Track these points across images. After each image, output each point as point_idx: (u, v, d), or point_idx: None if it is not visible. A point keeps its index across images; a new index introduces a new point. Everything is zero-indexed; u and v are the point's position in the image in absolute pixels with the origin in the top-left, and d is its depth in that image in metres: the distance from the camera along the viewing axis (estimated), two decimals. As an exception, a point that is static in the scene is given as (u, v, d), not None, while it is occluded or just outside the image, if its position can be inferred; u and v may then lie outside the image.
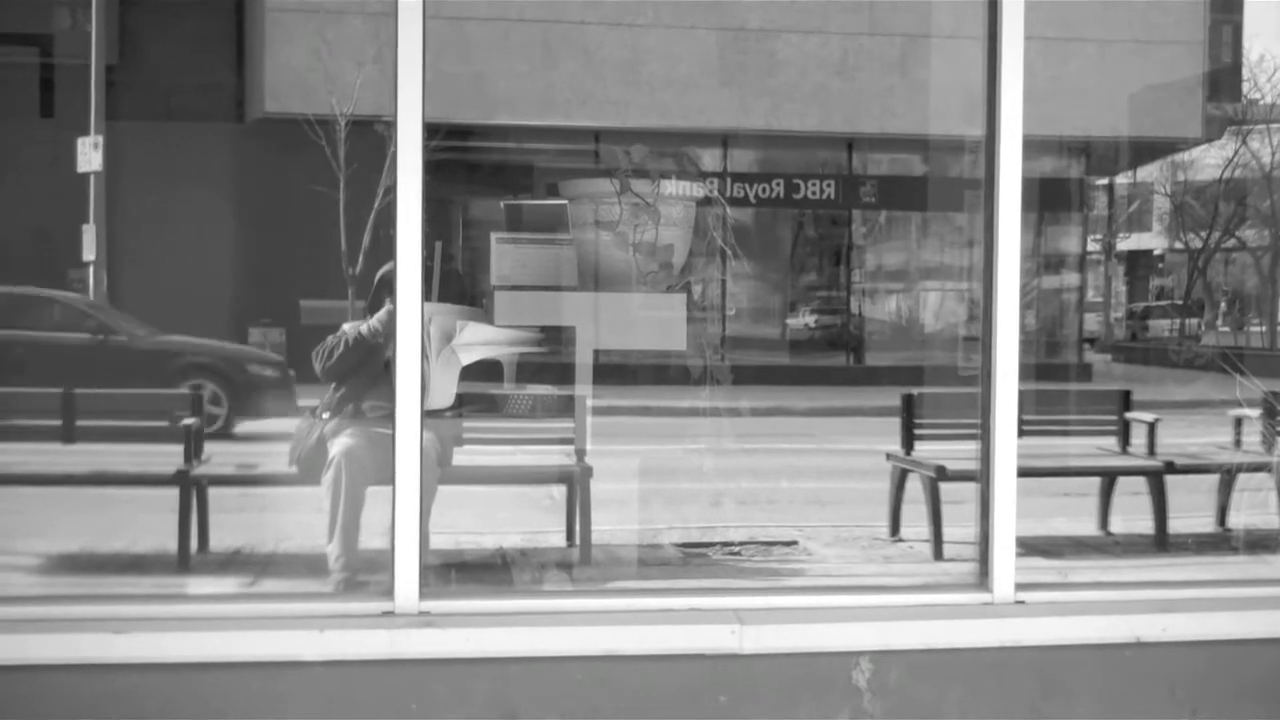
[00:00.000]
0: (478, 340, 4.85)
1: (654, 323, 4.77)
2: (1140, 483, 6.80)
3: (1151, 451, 7.08)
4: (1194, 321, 26.66)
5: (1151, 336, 27.95)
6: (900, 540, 6.74)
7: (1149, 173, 27.79)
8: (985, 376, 4.07)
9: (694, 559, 6.26)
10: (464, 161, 16.20)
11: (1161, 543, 6.59)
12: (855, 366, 20.68)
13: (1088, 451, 7.26)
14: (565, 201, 4.80)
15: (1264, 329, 25.31)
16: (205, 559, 5.94)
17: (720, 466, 9.30)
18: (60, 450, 6.23)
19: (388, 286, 4.46)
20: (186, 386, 9.94)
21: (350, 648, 3.68)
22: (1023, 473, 4.08)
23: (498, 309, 4.81)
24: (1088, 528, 7.02)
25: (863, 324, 21.71)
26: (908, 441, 6.81)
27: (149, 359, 11.30)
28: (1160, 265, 32.74)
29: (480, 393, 5.94)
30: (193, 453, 6.05)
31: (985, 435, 4.07)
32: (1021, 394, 4.07)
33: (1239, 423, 7.25)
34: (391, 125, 3.81)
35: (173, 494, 5.83)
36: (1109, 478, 7.05)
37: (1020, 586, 4.07)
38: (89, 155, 14.04)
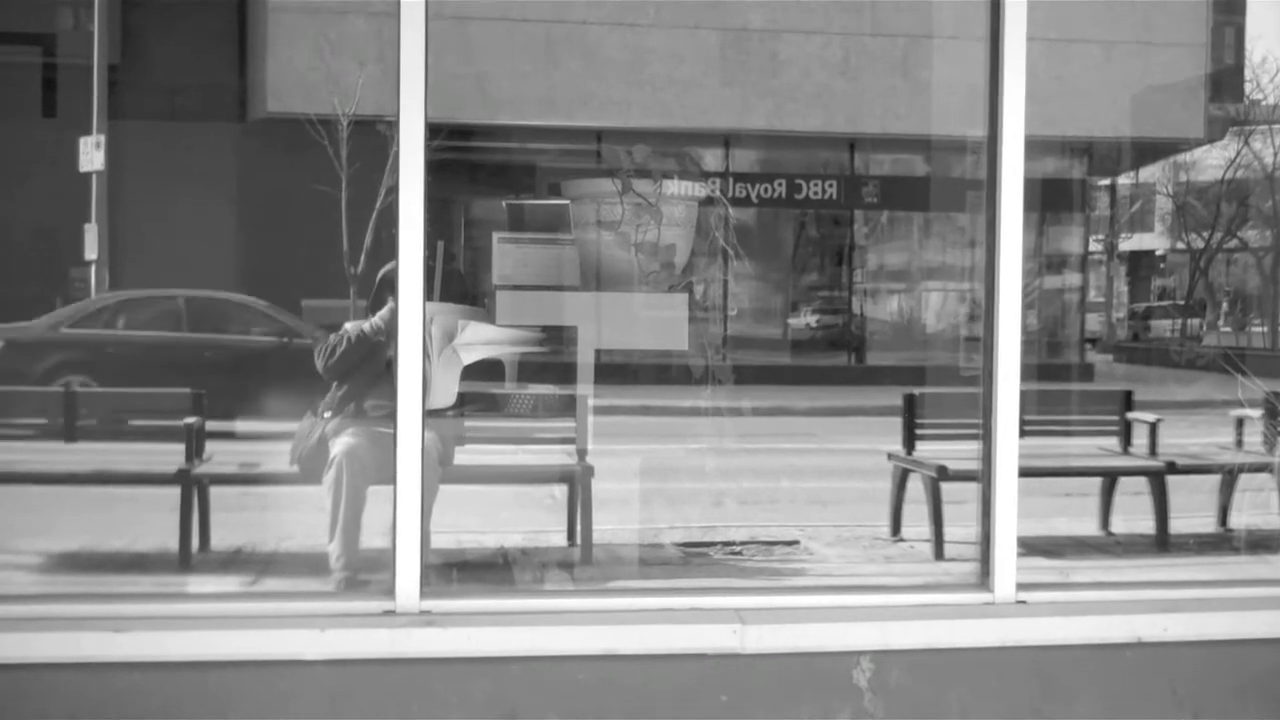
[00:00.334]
0: (479, 340, 4.85)
1: (656, 322, 4.78)
2: (1141, 483, 6.80)
3: (1153, 452, 7.07)
4: (1196, 322, 26.64)
5: (1153, 337, 27.95)
6: (901, 540, 6.74)
7: (1151, 173, 27.80)
8: (987, 376, 4.07)
9: (695, 559, 6.26)
10: (466, 161, 16.20)
11: (1163, 543, 6.59)
12: (857, 366, 20.68)
13: (1089, 452, 7.26)
14: (567, 201, 4.80)
15: (1265, 329, 25.30)
16: (207, 558, 5.94)
17: (722, 466, 9.30)
18: (62, 449, 6.23)
19: (389, 286, 4.47)
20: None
21: (351, 647, 3.69)
22: (1024, 473, 4.08)
23: (499, 308, 4.82)
24: (1089, 528, 7.02)
25: (864, 324, 21.72)
26: (909, 441, 6.81)
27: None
28: (1162, 265, 32.75)
29: (482, 392, 5.95)
30: (194, 452, 6.06)
31: (987, 435, 4.07)
32: (1023, 394, 4.07)
33: (1240, 423, 7.25)
34: (394, 125, 3.81)
35: (174, 493, 5.83)
36: (1110, 478, 7.04)
37: (1021, 586, 4.07)
38: (91, 155, 14.05)
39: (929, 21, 15.14)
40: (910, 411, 6.84)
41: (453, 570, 5.55)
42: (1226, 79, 24.00)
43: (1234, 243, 26.06)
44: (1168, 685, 4.01)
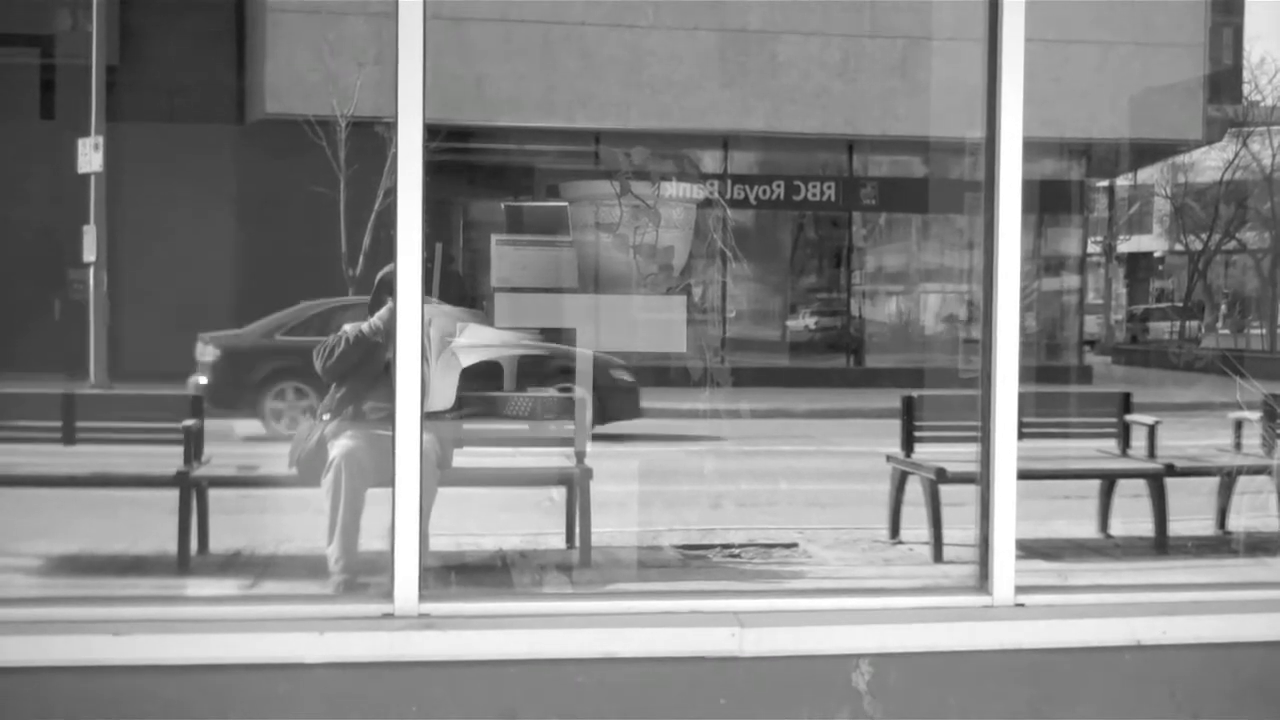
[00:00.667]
0: (477, 342, 4.85)
1: (654, 325, 4.78)
2: (1140, 485, 6.79)
3: (1151, 454, 7.07)
4: (1194, 324, 26.66)
5: (1152, 339, 27.96)
6: (900, 543, 6.74)
7: (1149, 175, 27.80)
8: (985, 379, 4.07)
9: (694, 561, 6.26)
10: (465, 163, 16.20)
11: (1161, 545, 6.59)
12: (855, 368, 20.69)
13: (1088, 454, 7.26)
14: (566, 203, 4.81)
15: (1264, 331, 25.30)
16: (205, 561, 5.93)
17: (720, 468, 9.31)
18: (61, 451, 6.23)
19: (388, 288, 4.47)
20: (557, 389, 10.33)
21: (350, 649, 3.68)
22: (1023, 475, 4.08)
23: (498, 311, 4.82)
24: (1088, 530, 7.02)
25: (863, 326, 21.72)
26: (908, 444, 6.81)
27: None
28: (1160, 267, 32.75)
29: (480, 394, 5.95)
30: (193, 454, 6.05)
31: (985, 438, 4.07)
32: (1021, 396, 4.06)
33: (1239, 425, 7.25)
34: (392, 126, 3.81)
35: (173, 495, 5.83)
36: (1109, 480, 7.04)
37: (1020, 589, 4.06)
38: (90, 156, 14.05)
39: (927, 23, 15.15)
40: (909, 414, 6.84)
41: (451, 573, 5.55)
42: (1225, 80, 24.00)
43: (1232, 244, 26.07)
44: (1166, 688, 4.01)
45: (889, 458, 6.92)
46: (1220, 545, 6.63)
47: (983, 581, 4.10)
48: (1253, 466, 6.64)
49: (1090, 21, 16.90)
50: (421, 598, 3.81)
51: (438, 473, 5.09)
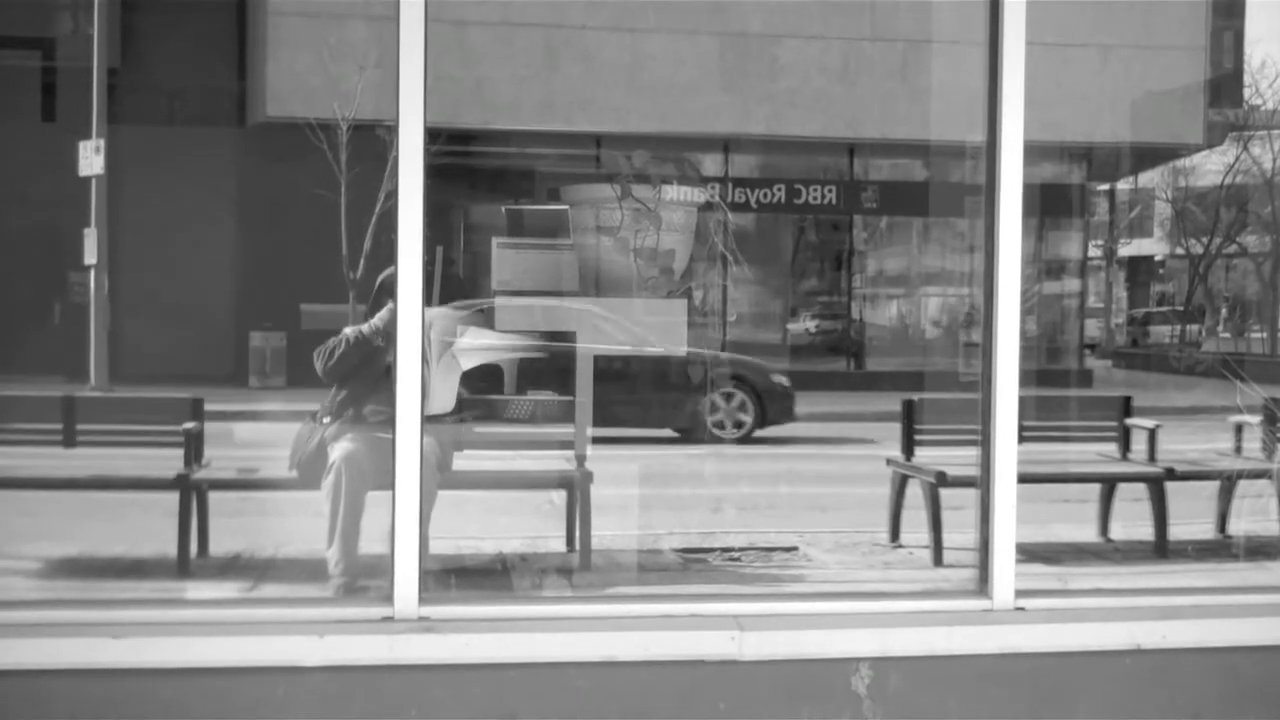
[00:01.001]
0: (478, 345, 4.85)
1: (655, 328, 4.78)
2: (1140, 489, 6.79)
3: (1152, 458, 7.07)
4: (1195, 327, 26.66)
5: (1152, 342, 27.95)
6: (900, 546, 6.74)
7: (1150, 178, 27.80)
8: (986, 382, 4.07)
9: (694, 564, 6.26)
10: (465, 166, 16.20)
11: (1162, 549, 6.59)
12: (856, 372, 20.68)
13: (1088, 458, 7.25)
14: (566, 207, 4.81)
15: (1265, 335, 25.30)
16: (205, 563, 5.93)
17: (720, 471, 9.30)
18: (61, 454, 6.23)
19: (388, 291, 4.47)
20: (720, 394, 11.55)
21: (350, 653, 3.68)
22: (1023, 479, 4.08)
23: (499, 314, 4.81)
24: (1088, 534, 7.02)
25: (863, 329, 21.71)
26: (908, 447, 6.80)
27: (684, 367, 12.09)
28: (1161, 271, 32.73)
29: (481, 397, 5.95)
30: (193, 457, 6.05)
31: (985, 441, 4.07)
32: (1022, 400, 4.06)
33: (1239, 429, 7.25)
34: (393, 129, 3.81)
35: (173, 498, 5.83)
36: (1109, 484, 7.04)
37: (1020, 593, 4.06)
38: (90, 159, 14.06)
39: (928, 26, 15.14)
40: (909, 417, 6.84)
41: (451, 576, 5.55)
42: (1226, 84, 24.00)
43: (1233, 248, 26.07)
44: (1166, 692, 4.01)
45: (889, 461, 6.92)
46: (1220, 549, 6.63)
47: (983, 585, 4.10)
48: (1253, 470, 6.64)
49: (1091, 25, 16.90)
50: (421, 601, 3.81)
51: (438, 476, 5.09)
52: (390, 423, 3.83)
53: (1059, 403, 8.64)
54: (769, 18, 17.95)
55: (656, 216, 4.59)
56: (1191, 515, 6.91)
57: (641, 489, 7.73)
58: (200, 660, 3.63)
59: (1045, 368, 20.03)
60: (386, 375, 4.16)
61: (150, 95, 15.88)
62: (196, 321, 14.97)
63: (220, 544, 6.10)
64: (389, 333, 4.45)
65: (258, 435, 8.63)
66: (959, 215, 16.77)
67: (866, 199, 20.62)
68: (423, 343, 3.88)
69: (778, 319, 22.27)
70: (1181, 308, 27.57)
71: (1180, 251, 28.22)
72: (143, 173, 14.20)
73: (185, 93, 16.08)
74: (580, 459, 6.05)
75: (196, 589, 5.66)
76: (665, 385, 11.48)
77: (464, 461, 5.94)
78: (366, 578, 4.87)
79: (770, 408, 11.89)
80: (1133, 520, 6.92)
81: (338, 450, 5.26)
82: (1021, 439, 4.08)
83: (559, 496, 6.26)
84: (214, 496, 6.03)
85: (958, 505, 5.91)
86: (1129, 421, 7.24)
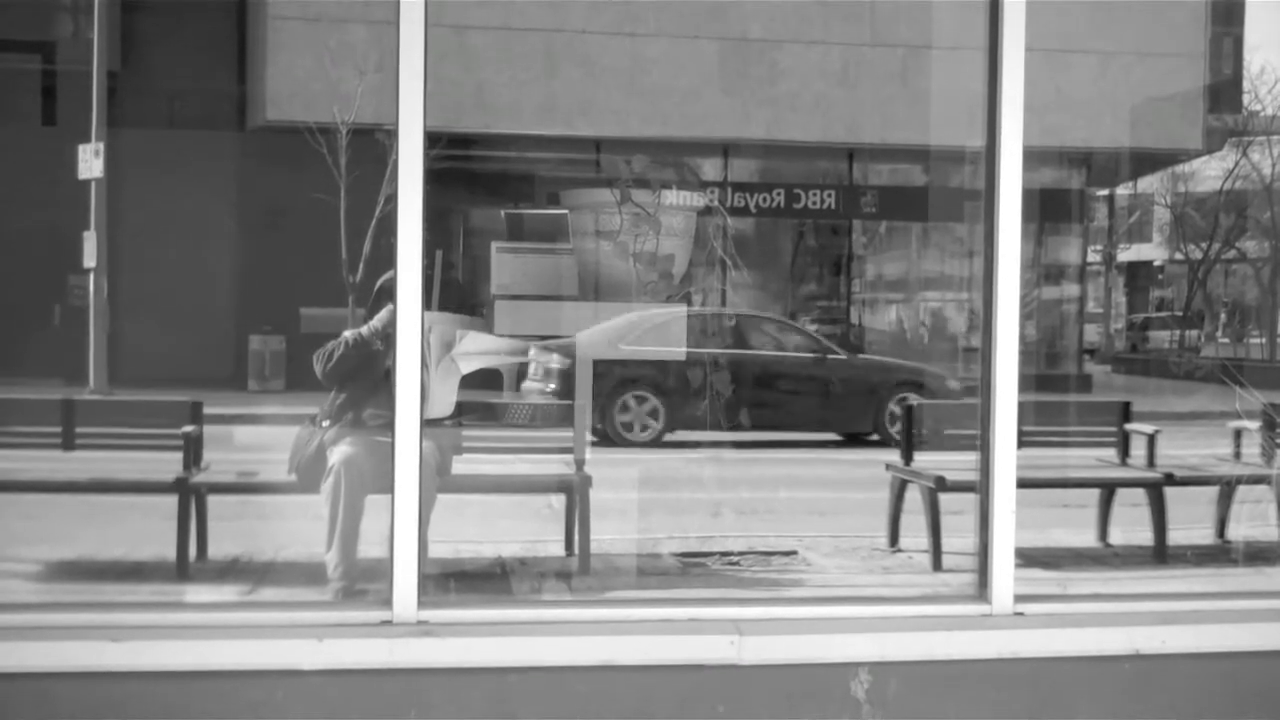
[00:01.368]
0: (477, 349, 4.85)
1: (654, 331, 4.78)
2: (1140, 494, 6.79)
3: (1151, 463, 7.06)
4: (1194, 333, 26.66)
5: (1151, 348, 27.95)
6: (899, 551, 6.74)
7: (1149, 184, 27.80)
8: (985, 387, 4.07)
9: (693, 569, 6.25)
10: (465, 170, 16.19)
11: (1161, 555, 6.58)
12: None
13: (1087, 463, 7.25)
14: (566, 211, 4.81)
15: (1264, 341, 25.30)
16: (204, 567, 5.93)
17: (720, 476, 9.30)
18: (60, 457, 6.22)
19: (388, 295, 4.47)
20: (895, 400, 11.76)
21: (349, 657, 3.68)
22: (1022, 484, 4.08)
23: (498, 318, 4.82)
24: (1087, 539, 7.02)
25: (863, 334, 21.70)
26: (907, 452, 6.80)
27: (865, 373, 13.52)
28: (1160, 276, 32.74)
29: (480, 401, 5.95)
30: (192, 460, 6.05)
31: (985, 446, 4.07)
32: (1021, 405, 4.06)
33: (1238, 435, 7.25)
34: (393, 133, 3.81)
35: (172, 501, 5.82)
36: (1108, 489, 7.04)
37: (1019, 598, 4.06)
38: (90, 162, 14.06)
39: (928, 31, 15.14)
40: (909, 421, 6.83)
41: (450, 580, 5.54)
42: (1225, 90, 24.01)
43: (1232, 254, 26.08)
44: (1165, 697, 4.01)
45: (889, 465, 6.92)
46: (1219, 555, 6.63)
47: (982, 590, 4.10)
48: (1252, 476, 6.63)
49: (1090, 30, 16.89)
50: (420, 605, 3.81)
51: (437, 479, 5.10)
52: (389, 426, 3.83)
53: (1058, 408, 8.64)
54: (769, 22, 17.95)
55: (656, 221, 4.59)
56: (1190, 521, 6.91)
57: (640, 493, 7.73)
58: (199, 663, 3.63)
59: (1044, 373, 20.03)
60: (386, 379, 4.16)
61: (150, 99, 15.87)
62: (196, 325, 14.95)
63: (219, 547, 6.10)
64: (388, 334, 4.45)
65: (257, 439, 8.63)
66: (958, 220, 16.78)
67: (866, 204, 20.62)
68: (422, 347, 3.88)
69: (777, 323, 22.24)
70: (1181, 313, 27.57)
71: (1179, 257, 28.23)
72: (142, 176, 14.19)
73: (185, 96, 16.07)
74: (580, 463, 6.05)
75: (196, 592, 5.66)
76: (843, 390, 12.43)
77: (463, 465, 5.94)
78: (365, 581, 4.87)
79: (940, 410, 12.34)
80: (1132, 525, 6.92)
81: (337, 454, 5.26)
82: (1020, 444, 4.09)
83: (558, 500, 6.26)
84: (213, 500, 6.03)
85: (957, 510, 5.91)
86: (1128, 427, 7.24)
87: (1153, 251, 32.23)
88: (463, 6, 14.20)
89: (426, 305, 3.89)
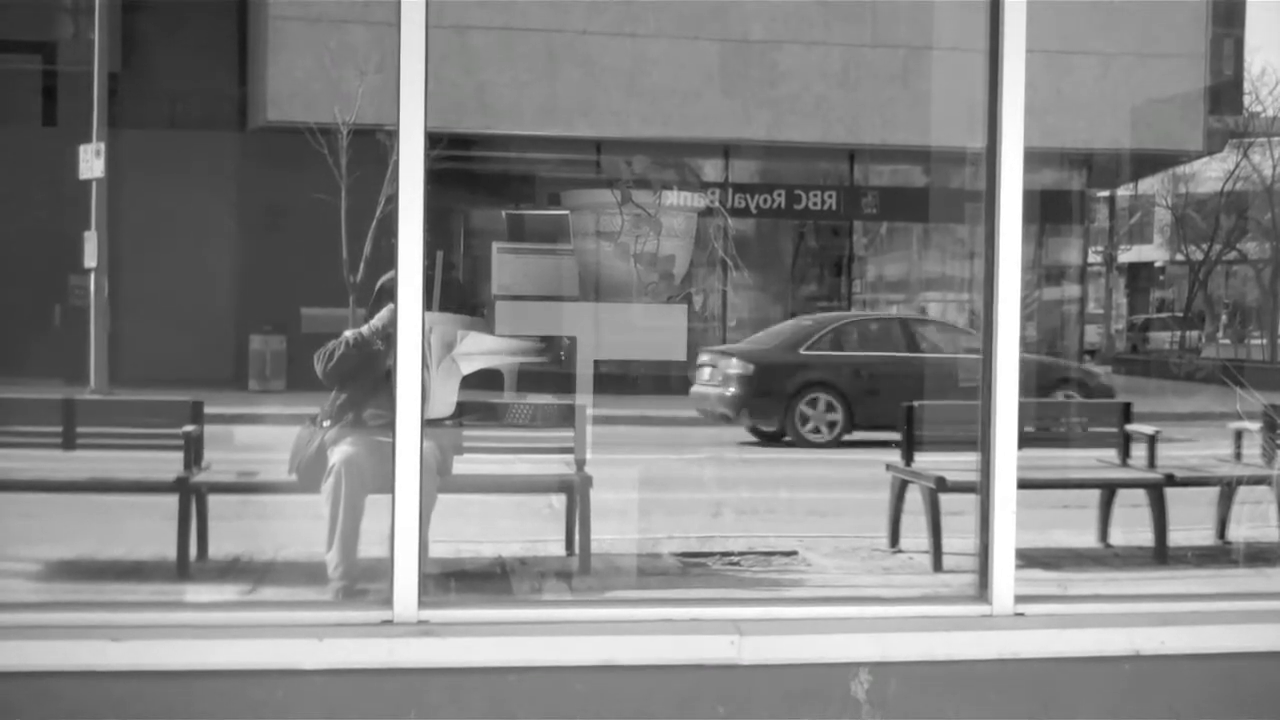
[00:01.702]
0: (478, 350, 4.85)
1: (654, 333, 4.78)
2: (1140, 495, 6.79)
3: (1151, 464, 7.07)
4: (1194, 334, 26.66)
5: (1152, 349, 27.95)
6: (900, 551, 6.74)
7: (1150, 185, 27.79)
8: (985, 388, 4.07)
9: (693, 569, 6.26)
10: (466, 171, 16.19)
11: (1161, 556, 6.58)
12: (856, 377, 20.62)
13: (1088, 464, 7.25)
14: (567, 211, 4.81)
15: (1265, 342, 25.30)
16: (204, 566, 5.93)
17: (720, 476, 9.30)
18: (61, 457, 6.23)
19: (388, 295, 4.48)
20: (1061, 395, 12.75)
21: (349, 656, 3.68)
22: (1022, 484, 4.08)
23: (499, 319, 4.81)
24: (1087, 540, 7.02)
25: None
26: (908, 452, 6.80)
27: (1025, 372, 12.88)
28: (1161, 278, 32.75)
29: (480, 402, 5.95)
30: (192, 460, 6.05)
31: (985, 447, 4.07)
32: (1021, 405, 4.07)
33: (1239, 436, 7.25)
34: (394, 134, 3.81)
35: (173, 501, 5.83)
36: (1109, 490, 7.04)
37: (1019, 599, 4.06)
38: (91, 162, 14.06)
39: (929, 32, 15.15)
40: (909, 422, 6.83)
41: (451, 580, 5.55)
42: (1226, 91, 24.02)
43: (1233, 255, 26.08)
44: (1165, 699, 4.01)
45: (889, 466, 6.92)
46: (1220, 556, 6.63)
47: (982, 590, 4.10)
48: (1253, 477, 6.64)
49: (1091, 32, 16.90)
50: (421, 604, 3.81)
51: (438, 479, 5.10)
52: (390, 426, 3.83)
53: (1058, 408, 8.63)
54: (770, 23, 17.96)
55: (656, 222, 4.59)
56: (1191, 521, 6.91)
57: (641, 493, 7.73)
58: (199, 663, 3.64)
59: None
60: (386, 379, 4.16)
61: (151, 99, 15.88)
62: (196, 325, 14.95)
63: (220, 547, 6.10)
64: (389, 334, 4.46)
65: (257, 438, 8.63)
66: (959, 221, 16.78)
67: (866, 204, 20.62)
68: (423, 347, 3.89)
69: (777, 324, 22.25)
70: (1181, 314, 27.58)
71: (1180, 258, 28.24)
72: (143, 176, 14.20)
73: (186, 97, 16.08)
74: (580, 463, 6.05)
75: (196, 592, 5.66)
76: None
77: (464, 465, 5.94)
78: (366, 581, 4.87)
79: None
80: (1132, 526, 6.92)
81: (337, 454, 5.26)
82: (1021, 445, 4.09)
83: (559, 500, 6.26)
84: (213, 499, 6.04)
85: (957, 510, 5.91)
86: (1129, 427, 7.24)
87: (1153, 252, 32.23)
88: (464, 7, 14.22)
89: (427, 305, 3.89)
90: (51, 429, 6.25)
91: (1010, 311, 4.03)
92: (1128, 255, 31.82)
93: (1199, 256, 26.30)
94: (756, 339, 14.89)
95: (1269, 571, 6.01)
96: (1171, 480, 6.72)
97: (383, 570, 3.89)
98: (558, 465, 6.23)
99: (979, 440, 4.11)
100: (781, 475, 10.63)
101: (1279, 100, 24.65)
